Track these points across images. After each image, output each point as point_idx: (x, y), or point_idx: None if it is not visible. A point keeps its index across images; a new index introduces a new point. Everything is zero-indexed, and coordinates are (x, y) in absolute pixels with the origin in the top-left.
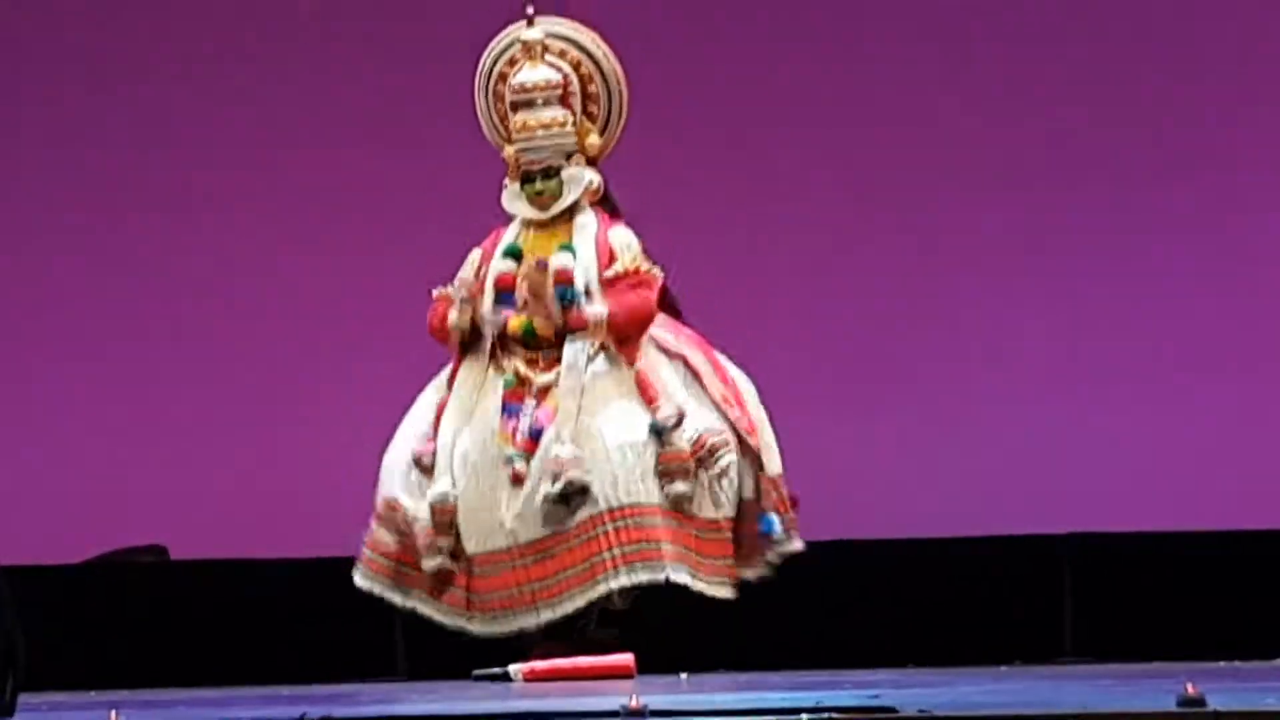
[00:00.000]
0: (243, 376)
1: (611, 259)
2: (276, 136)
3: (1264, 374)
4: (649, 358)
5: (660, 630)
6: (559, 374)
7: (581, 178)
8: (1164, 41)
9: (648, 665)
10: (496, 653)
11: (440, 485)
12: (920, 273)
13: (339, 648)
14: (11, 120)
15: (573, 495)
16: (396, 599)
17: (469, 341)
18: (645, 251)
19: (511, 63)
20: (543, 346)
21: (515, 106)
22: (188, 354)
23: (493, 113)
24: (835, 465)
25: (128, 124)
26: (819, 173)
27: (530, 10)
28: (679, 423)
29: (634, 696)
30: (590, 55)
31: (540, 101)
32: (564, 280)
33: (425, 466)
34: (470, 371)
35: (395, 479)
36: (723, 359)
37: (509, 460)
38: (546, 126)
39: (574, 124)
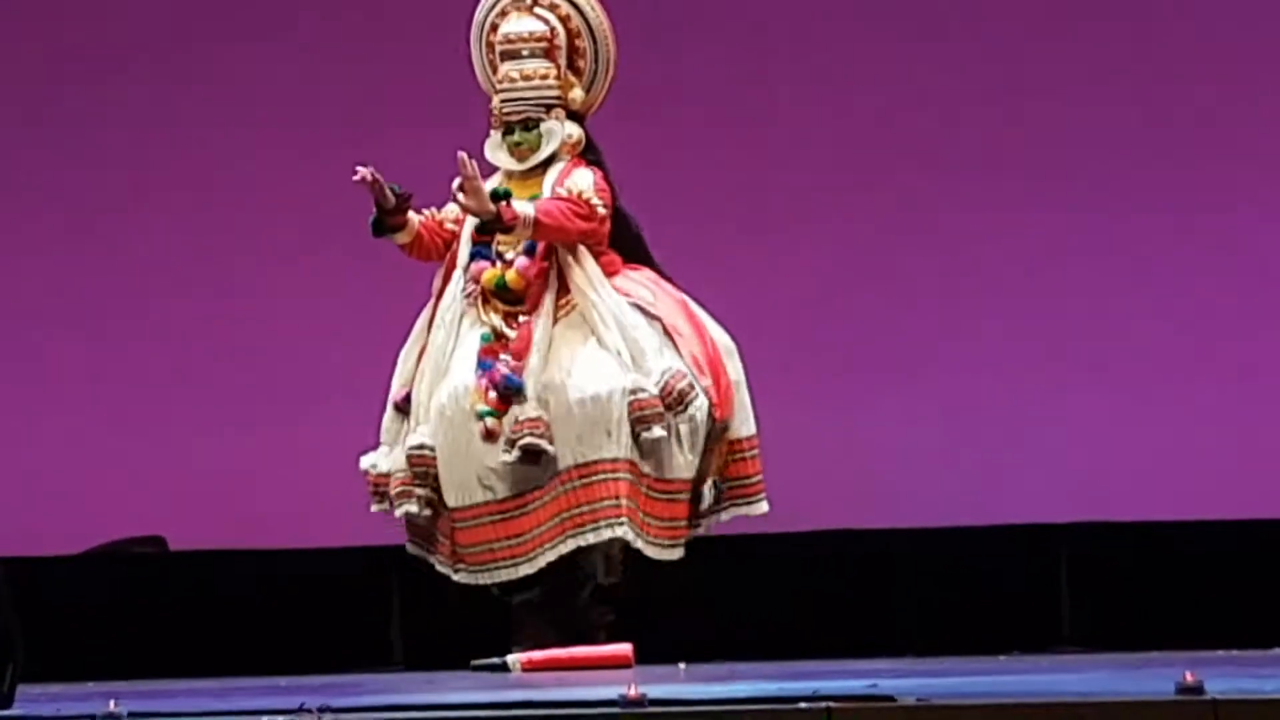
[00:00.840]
0: (241, 368)
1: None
2: (286, 134)
3: (1262, 364)
4: (628, 316)
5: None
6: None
7: (559, 130)
8: (1170, 41)
9: (646, 655)
10: (494, 642)
11: (417, 435)
12: (917, 261)
13: (337, 638)
14: (14, 120)
15: (537, 456)
16: (411, 550)
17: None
18: (603, 194)
19: (503, 14)
20: (517, 300)
21: (503, 57)
22: (186, 345)
23: (485, 64)
24: (831, 454)
25: (133, 122)
26: (814, 160)
27: None
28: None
29: (632, 686)
30: (579, 9)
31: (525, 53)
32: (511, 220)
33: (405, 412)
34: (446, 316)
35: (382, 429)
36: (705, 318)
37: (480, 416)
38: (529, 78)
39: (557, 77)
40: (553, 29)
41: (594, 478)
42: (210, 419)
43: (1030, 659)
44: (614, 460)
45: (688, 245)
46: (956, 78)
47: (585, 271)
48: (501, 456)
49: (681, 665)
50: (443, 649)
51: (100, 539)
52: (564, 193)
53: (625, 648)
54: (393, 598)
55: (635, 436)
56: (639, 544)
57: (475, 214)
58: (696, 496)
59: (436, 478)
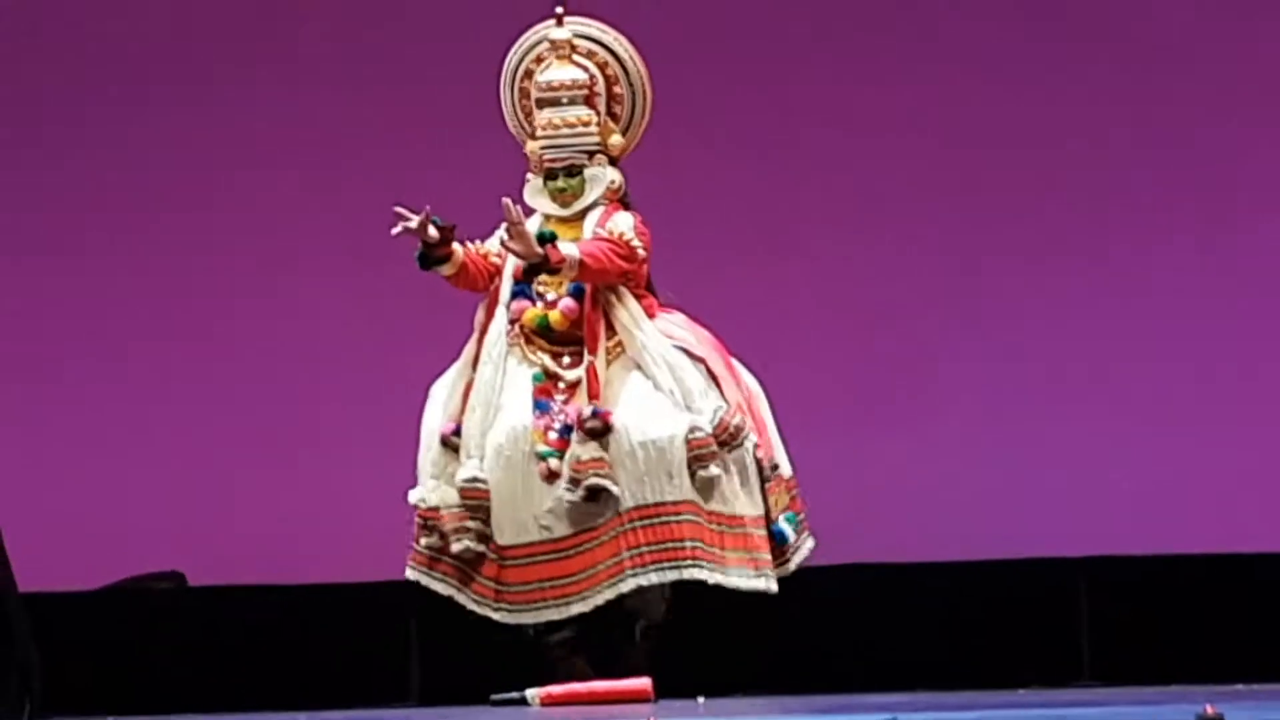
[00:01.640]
0: (259, 403)
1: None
2: (301, 161)
3: None
4: (675, 357)
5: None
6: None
7: (604, 177)
8: (1169, 67)
9: (665, 689)
10: (511, 677)
11: (469, 469)
12: (936, 295)
13: (354, 674)
14: (29, 142)
15: (598, 495)
16: (437, 587)
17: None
18: (643, 236)
19: (538, 60)
20: (560, 340)
21: (541, 104)
22: (205, 381)
23: (517, 108)
24: (852, 488)
25: (150, 148)
26: (836, 186)
27: (560, 10)
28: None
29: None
30: (616, 57)
31: (565, 100)
32: (558, 262)
33: (453, 446)
34: (494, 352)
35: (426, 461)
36: (735, 363)
37: (542, 457)
38: (571, 125)
39: (598, 123)
40: (592, 76)
41: (656, 519)
42: (230, 455)
43: (1050, 693)
44: (676, 503)
45: (696, 277)
46: (969, 114)
47: (630, 313)
48: (565, 495)
49: (700, 699)
50: (460, 684)
51: (119, 574)
52: (604, 234)
53: (644, 682)
54: (410, 633)
55: (692, 475)
56: (717, 578)
57: (522, 258)
58: (774, 535)
59: (488, 511)
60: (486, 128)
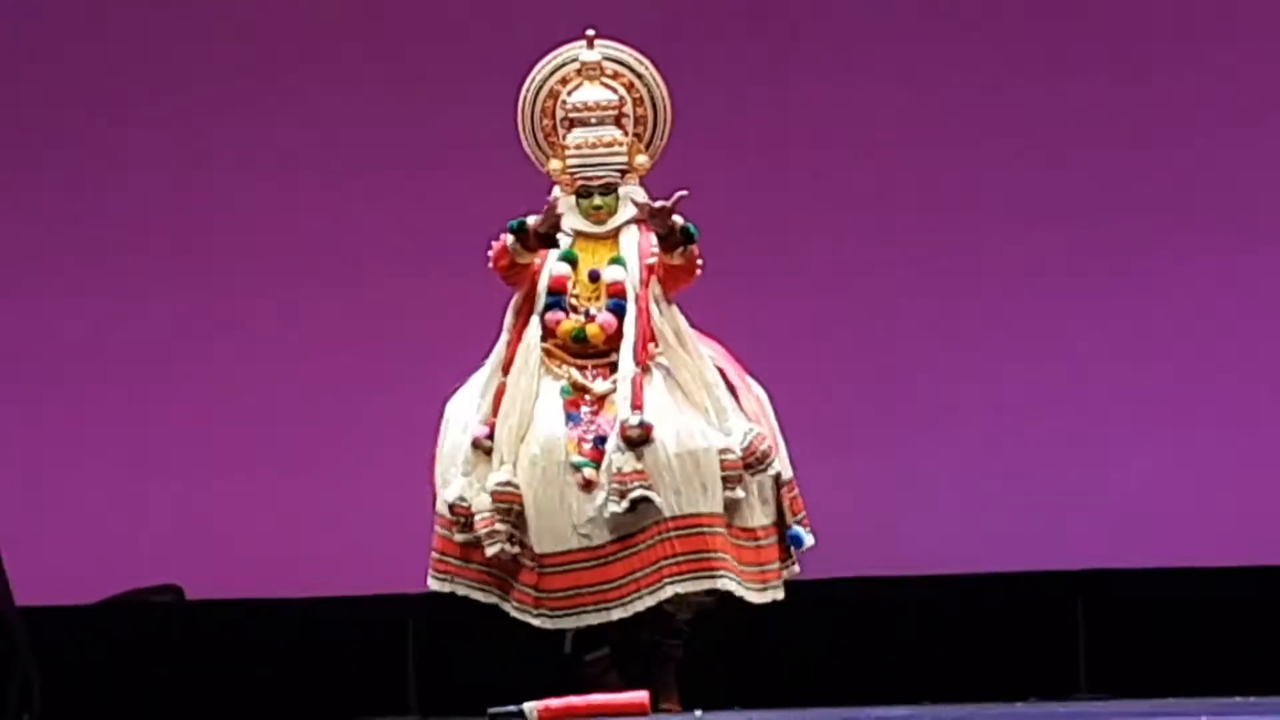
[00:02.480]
0: (257, 418)
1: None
2: (310, 172)
3: (1277, 409)
4: (710, 374)
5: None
6: (615, 382)
7: (637, 195)
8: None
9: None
10: (509, 690)
11: (502, 474)
12: (932, 309)
13: (352, 686)
14: (27, 144)
15: (639, 505)
16: (478, 596)
17: (523, 279)
18: None
19: (564, 81)
20: (592, 353)
21: (571, 123)
22: (204, 395)
23: (537, 128)
24: (850, 502)
25: (149, 152)
26: (833, 200)
27: (590, 33)
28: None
29: None
30: (642, 79)
31: (594, 120)
32: (617, 293)
33: (485, 450)
34: (530, 360)
35: (456, 464)
36: (744, 372)
37: (577, 468)
38: (607, 145)
39: (626, 144)
40: (621, 98)
41: (691, 530)
42: (229, 469)
43: (1048, 706)
44: (711, 515)
45: (694, 287)
46: (980, 126)
47: (679, 328)
48: (610, 508)
49: (698, 712)
50: (458, 698)
51: (117, 588)
52: (657, 250)
53: (641, 695)
54: (409, 646)
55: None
56: (740, 591)
57: (665, 228)
58: (785, 539)
59: (520, 514)
60: (499, 137)
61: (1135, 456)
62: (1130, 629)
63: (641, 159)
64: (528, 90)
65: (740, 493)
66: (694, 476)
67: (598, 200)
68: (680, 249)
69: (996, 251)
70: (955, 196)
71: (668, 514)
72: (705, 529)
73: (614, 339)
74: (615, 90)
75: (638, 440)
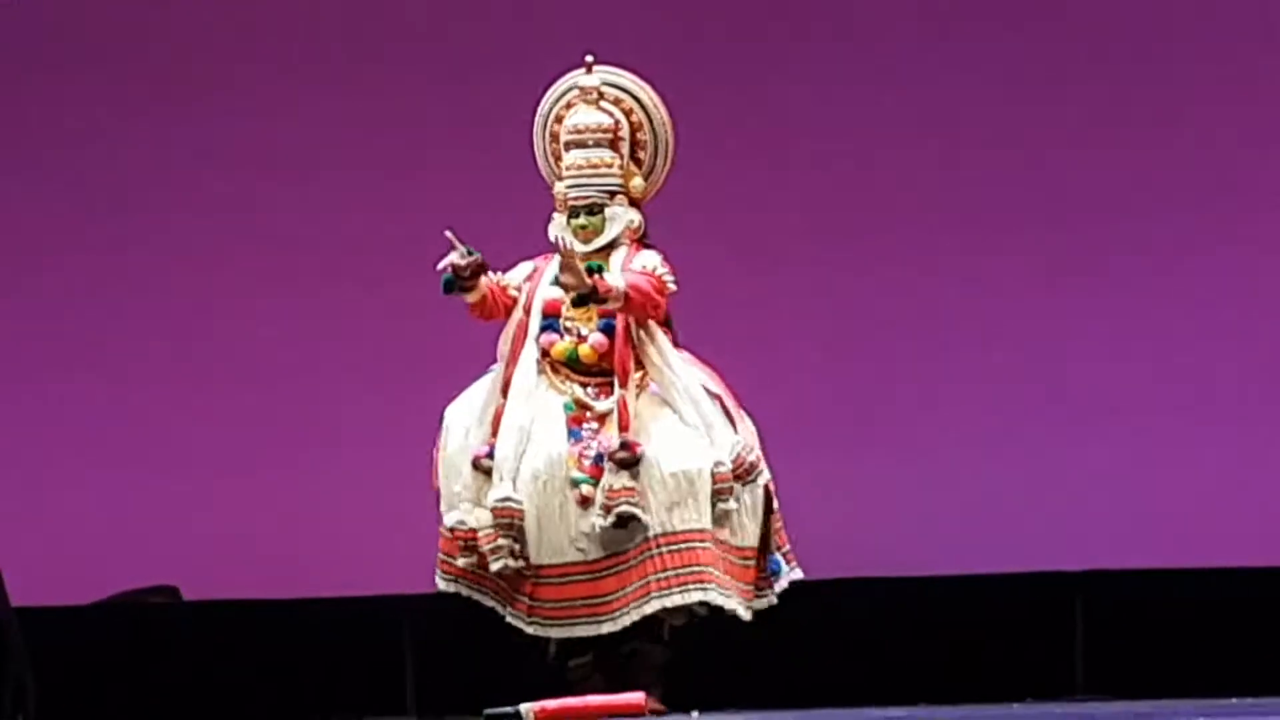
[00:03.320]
0: (255, 418)
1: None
2: (307, 169)
3: (1276, 411)
4: (698, 392)
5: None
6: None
7: (623, 216)
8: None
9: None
10: (506, 692)
11: (502, 490)
12: (931, 309)
13: (349, 687)
14: (25, 144)
15: (628, 522)
16: (478, 598)
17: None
18: (671, 271)
19: (568, 106)
20: (589, 372)
21: (568, 146)
22: (200, 395)
23: (548, 152)
24: (848, 502)
25: (148, 152)
26: (817, 202)
27: (589, 59)
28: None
29: None
30: (641, 104)
31: (590, 143)
32: (608, 314)
33: (484, 469)
34: (526, 383)
35: (456, 479)
36: (738, 405)
37: (576, 483)
38: (595, 166)
39: (620, 166)
40: (617, 122)
41: (683, 545)
42: (225, 470)
43: (1045, 706)
44: (700, 531)
45: (683, 289)
46: (959, 128)
47: (659, 348)
48: (596, 522)
49: (695, 713)
50: (455, 698)
51: (113, 589)
52: (637, 267)
53: (638, 696)
54: (406, 647)
55: (712, 507)
56: (729, 605)
57: (573, 289)
58: (765, 565)
59: (521, 530)
60: (501, 138)
61: (1134, 457)
62: (1129, 629)
63: (637, 182)
64: (539, 118)
65: (732, 503)
66: (687, 494)
67: (583, 219)
68: (601, 302)
69: (998, 251)
70: (953, 197)
71: (657, 530)
72: (697, 544)
73: (607, 358)
74: (611, 114)
75: (627, 463)
